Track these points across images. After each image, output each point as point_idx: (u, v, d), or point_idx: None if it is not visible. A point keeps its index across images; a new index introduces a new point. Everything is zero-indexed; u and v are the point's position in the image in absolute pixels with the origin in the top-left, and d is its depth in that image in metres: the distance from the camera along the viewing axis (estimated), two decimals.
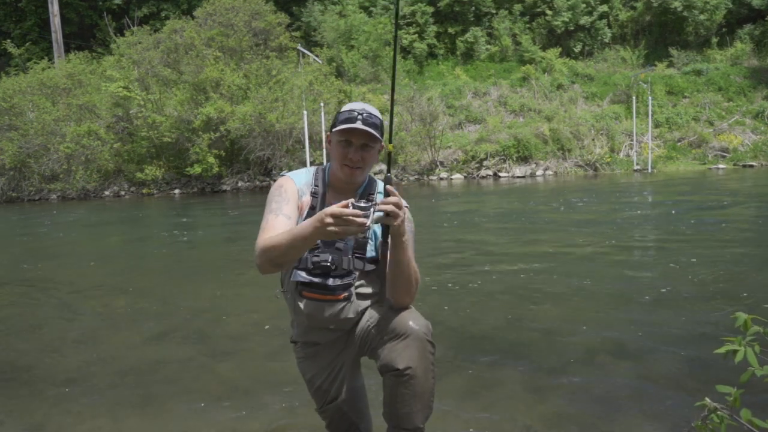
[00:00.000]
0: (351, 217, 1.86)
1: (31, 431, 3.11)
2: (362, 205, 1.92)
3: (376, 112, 2.25)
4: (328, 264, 2.21)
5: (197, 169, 19.55)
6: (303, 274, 2.23)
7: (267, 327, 4.68)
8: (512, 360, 3.77)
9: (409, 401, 2.12)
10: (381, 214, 1.99)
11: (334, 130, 2.22)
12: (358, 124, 2.16)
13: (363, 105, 2.25)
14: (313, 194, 2.29)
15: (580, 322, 4.47)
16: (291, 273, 2.27)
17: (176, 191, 20.74)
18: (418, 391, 2.12)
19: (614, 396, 3.21)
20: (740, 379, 1.75)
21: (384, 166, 2.08)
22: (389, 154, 2.19)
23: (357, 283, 2.27)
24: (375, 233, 2.29)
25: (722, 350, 1.77)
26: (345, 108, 2.25)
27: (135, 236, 11.18)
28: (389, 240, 2.09)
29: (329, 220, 1.88)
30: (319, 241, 2.23)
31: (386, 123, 2.30)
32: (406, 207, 2.15)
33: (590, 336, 4.17)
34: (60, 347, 4.43)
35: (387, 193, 2.04)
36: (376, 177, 2.40)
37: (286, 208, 2.22)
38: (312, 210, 2.26)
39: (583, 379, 3.45)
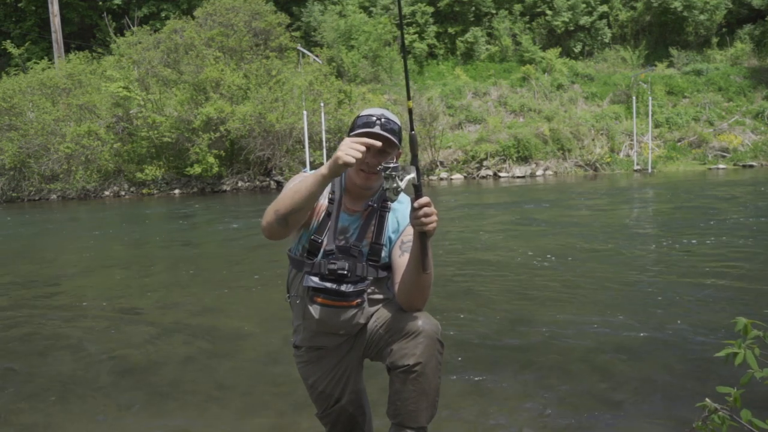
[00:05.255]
0: (362, 144, 1.97)
1: (31, 431, 3.11)
2: (391, 165, 1.97)
3: (395, 118, 2.24)
4: (345, 272, 2.20)
5: (197, 169, 19.54)
6: (316, 279, 2.21)
7: (267, 327, 4.68)
8: (512, 360, 3.78)
9: (415, 399, 2.12)
10: (412, 175, 1.99)
11: (352, 134, 2.21)
12: (377, 129, 2.16)
13: (382, 110, 2.24)
14: (330, 200, 2.29)
15: (581, 323, 4.47)
16: (302, 278, 2.26)
17: (176, 191, 20.74)
18: (426, 389, 2.12)
19: (615, 397, 3.21)
20: (740, 381, 1.75)
21: (413, 173, 2.04)
22: (415, 141, 2.08)
23: (368, 290, 2.27)
24: (390, 239, 2.29)
25: (723, 353, 1.77)
26: (363, 113, 2.24)
27: (135, 236, 11.18)
28: (420, 243, 2.05)
29: (343, 144, 1.98)
30: (334, 248, 2.23)
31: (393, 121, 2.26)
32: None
33: (591, 337, 4.17)
34: (60, 347, 4.43)
35: (417, 192, 2.02)
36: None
37: None
38: (327, 216, 2.26)
39: (584, 379, 3.45)
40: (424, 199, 2.00)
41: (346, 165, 1.97)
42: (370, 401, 2.52)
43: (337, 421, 2.41)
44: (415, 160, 2.04)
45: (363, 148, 1.98)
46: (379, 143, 2.04)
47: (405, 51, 2.26)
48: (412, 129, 2.08)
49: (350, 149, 1.97)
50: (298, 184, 2.09)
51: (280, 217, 2.08)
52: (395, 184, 1.98)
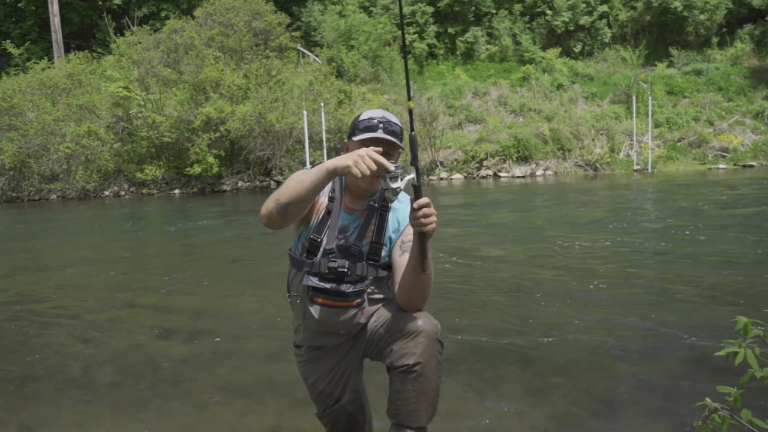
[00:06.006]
0: (378, 160, 1.95)
1: (30, 431, 3.11)
2: (392, 167, 1.96)
3: (395, 119, 2.23)
4: (345, 270, 2.19)
5: (197, 169, 19.55)
6: (315, 279, 2.21)
7: (267, 327, 4.68)
8: (513, 360, 3.77)
9: (415, 399, 2.12)
10: (412, 176, 1.98)
11: (354, 139, 2.20)
12: (380, 133, 2.15)
13: (382, 112, 2.23)
14: (330, 198, 2.28)
15: (581, 323, 4.47)
16: (302, 277, 2.25)
17: (176, 191, 20.74)
18: (425, 389, 2.12)
19: (615, 396, 3.21)
20: (740, 381, 1.75)
21: (412, 174, 2.04)
22: (415, 141, 2.07)
23: (368, 290, 2.27)
24: (390, 239, 2.28)
25: (723, 352, 1.77)
26: (364, 116, 2.22)
27: (134, 236, 11.18)
28: (419, 244, 2.05)
29: (359, 153, 1.95)
30: (334, 247, 2.22)
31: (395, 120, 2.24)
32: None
33: (591, 336, 4.17)
34: (60, 347, 4.43)
35: (416, 192, 2.01)
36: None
37: None
38: (327, 215, 2.25)
39: (584, 379, 3.45)
40: (424, 200, 1.99)
41: (352, 174, 1.96)
42: (370, 401, 2.52)
43: (337, 420, 2.40)
44: (414, 161, 2.03)
45: (374, 167, 1.95)
46: (388, 165, 1.99)
47: (405, 51, 2.24)
48: (412, 129, 2.07)
49: (363, 164, 1.94)
50: (302, 174, 2.09)
51: (281, 206, 2.07)
52: (395, 185, 1.98)
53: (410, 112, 2.11)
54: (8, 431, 3.11)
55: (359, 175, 1.95)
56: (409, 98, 2.12)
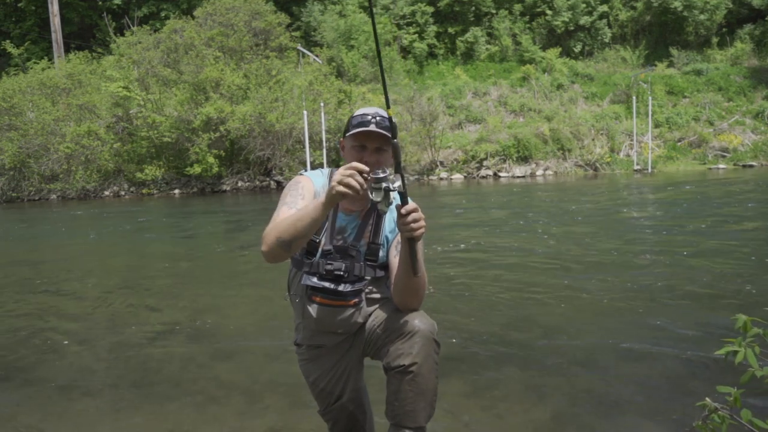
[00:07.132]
0: (358, 170, 1.93)
1: (30, 431, 3.11)
2: (380, 175, 1.96)
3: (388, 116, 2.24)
4: (342, 272, 2.21)
5: (197, 169, 19.54)
6: (314, 279, 2.22)
7: (267, 327, 4.68)
8: (513, 360, 3.77)
9: (413, 399, 2.13)
10: (398, 183, 1.97)
11: (348, 134, 2.22)
12: (372, 127, 2.16)
13: (375, 109, 2.25)
14: None
15: (581, 323, 4.47)
16: (301, 277, 2.27)
17: (176, 191, 20.74)
18: (423, 389, 2.13)
19: (615, 396, 3.21)
20: (740, 380, 1.75)
21: (398, 181, 2.02)
22: (397, 148, 2.06)
23: (366, 289, 2.27)
24: (387, 239, 2.29)
25: (722, 351, 1.77)
26: (357, 113, 2.25)
27: (134, 237, 11.17)
28: (409, 248, 2.06)
29: (344, 171, 1.93)
30: (331, 248, 2.23)
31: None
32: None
33: (591, 337, 4.17)
34: (60, 347, 4.43)
35: (403, 199, 2.01)
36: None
37: (301, 203, 2.21)
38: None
39: (584, 379, 3.45)
40: (412, 205, 2.00)
41: (342, 196, 1.95)
42: (371, 399, 2.52)
43: (338, 418, 2.42)
44: (398, 168, 2.04)
45: (356, 174, 1.94)
46: (366, 168, 1.99)
47: (381, 58, 2.19)
48: (394, 137, 2.07)
49: (345, 178, 1.94)
50: (300, 212, 2.08)
51: (284, 243, 2.08)
52: (387, 197, 1.98)
53: (390, 119, 2.11)
54: (9, 431, 3.11)
55: (346, 190, 1.93)
56: (388, 106, 2.10)
